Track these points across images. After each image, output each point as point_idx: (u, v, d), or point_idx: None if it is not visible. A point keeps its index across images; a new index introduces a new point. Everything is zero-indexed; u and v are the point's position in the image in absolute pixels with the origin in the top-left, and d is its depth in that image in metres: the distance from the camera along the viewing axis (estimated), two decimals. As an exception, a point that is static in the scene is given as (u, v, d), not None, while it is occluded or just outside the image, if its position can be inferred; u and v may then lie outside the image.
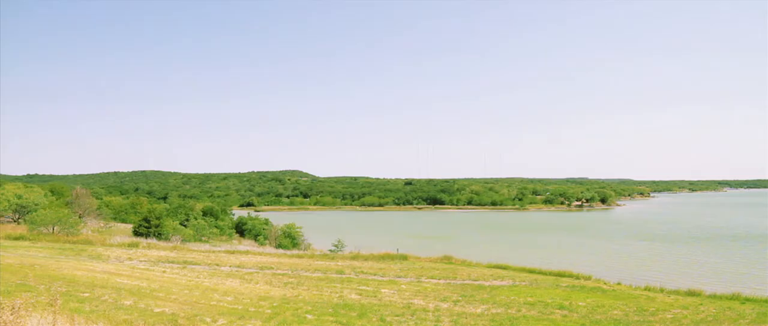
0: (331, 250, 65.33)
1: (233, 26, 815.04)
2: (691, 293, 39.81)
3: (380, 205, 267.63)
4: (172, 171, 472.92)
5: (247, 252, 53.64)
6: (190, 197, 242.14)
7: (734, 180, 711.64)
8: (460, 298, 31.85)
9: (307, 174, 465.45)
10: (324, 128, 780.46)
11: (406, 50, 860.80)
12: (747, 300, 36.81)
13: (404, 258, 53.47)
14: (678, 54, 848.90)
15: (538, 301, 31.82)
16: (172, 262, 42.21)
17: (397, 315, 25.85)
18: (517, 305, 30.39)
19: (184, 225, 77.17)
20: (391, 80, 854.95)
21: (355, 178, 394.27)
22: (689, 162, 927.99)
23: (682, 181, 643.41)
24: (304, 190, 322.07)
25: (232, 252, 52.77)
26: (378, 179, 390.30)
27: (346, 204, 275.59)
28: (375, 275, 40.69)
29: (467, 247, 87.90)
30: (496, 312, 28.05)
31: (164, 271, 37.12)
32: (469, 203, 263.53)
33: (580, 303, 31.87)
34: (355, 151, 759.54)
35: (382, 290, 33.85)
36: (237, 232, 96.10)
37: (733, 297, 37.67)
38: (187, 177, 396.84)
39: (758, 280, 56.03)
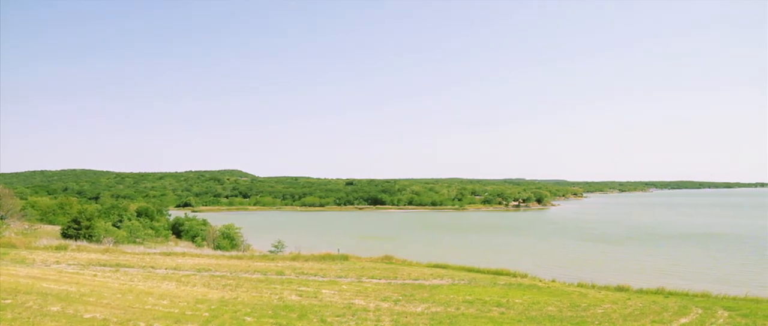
0: (271, 251, 64.43)
1: (170, 24, 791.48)
2: (620, 288, 41.66)
3: (321, 205, 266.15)
4: (105, 170, 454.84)
5: (184, 254, 52.15)
6: (124, 197, 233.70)
7: (659, 182, 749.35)
8: (401, 298, 32.06)
9: (246, 174, 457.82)
10: (264, 128, 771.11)
11: (347, 51, 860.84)
12: (670, 294, 39.00)
13: (345, 258, 53.35)
14: (610, 55, 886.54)
15: (477, 299, 32.43)
16: (104, 265, 40.54)
17: (338, 316, 25.79)
18: (457, 303, 30.87)
19: (117, 227, 74.36)
20: (333, 82, 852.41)
21: (296, 178, 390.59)
22: (619, 164, 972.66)
23: (613, 182, 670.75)
24: (243, 190, 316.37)
25: (169, 254, 51.19)
26: (319, 179, 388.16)
27: (286, 205, 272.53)
28: (315, 276, 40.42)
29: (408, 247, 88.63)
30: (436, 311, 28.41)
31: (95, 275, 35.61)
32: (410, 203, 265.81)
33: (516, 301, 32.71)
34: (296, 152, 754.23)
35: (323, 290, 33.66)
36: (173, 234, 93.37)
37: (658, 292, 39.80)
38: (120, 177, 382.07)
39: (679, 276, 59.07)
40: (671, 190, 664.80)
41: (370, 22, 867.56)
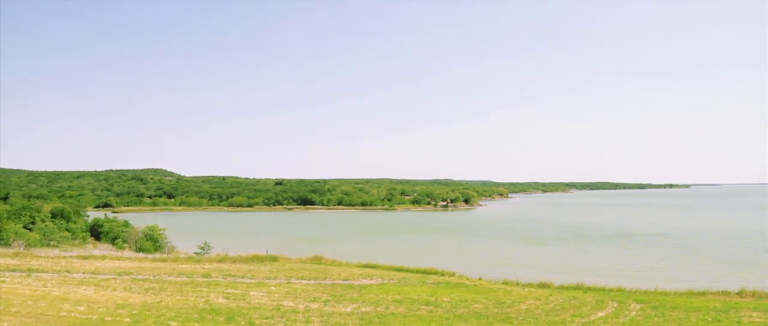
0: (196, 253, 62.65)
1: (89, 20, 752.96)
2: (542, 285, 43.36)
3: (249, 206, 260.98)
4: (15, 168, 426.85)
5: (103, 257, 49.85)
6: (37, 197, 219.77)
7: (579, 183, 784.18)
8: (331, 298, 32.00)
9: (171, 174, 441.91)
10: (190, 127, 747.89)
11: (276, 52, 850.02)
12: (589, 289, 41.02)
13: (274, 259, 52.69)
14: (531, 58, 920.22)
15: (406, 298, 32.83)
16: (14, 270, 38.14)
17: (267, 318, 25.44)
18: (386, 303, 31.13)
19: (29, 229, 70.22)
20: (262, 81, 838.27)
21: (223, 178, 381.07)
22: (541, 166, 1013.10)
23: (536, 183, 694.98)
24: (168, 190, 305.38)
25: (87, 258, 48.80)
26: (247, 179, 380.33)
27: (213, 205, 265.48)
28: (244, 277, 39.69)
29: (338, 247, 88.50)
30: (366, 311, 28.55)
31: (3, 281, 33.43)
32: (340, 203, 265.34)
33: (444, 299, 33.37)
34: (224, 151, 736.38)
35: (251, 292, 33.10)
36: (92, 236, 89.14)
37: (578, 288, 41.77)
38: (33, 176, 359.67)
39: (597, 273, 62.02)
40: (590, 191, 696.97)
41: (302, 21, 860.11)
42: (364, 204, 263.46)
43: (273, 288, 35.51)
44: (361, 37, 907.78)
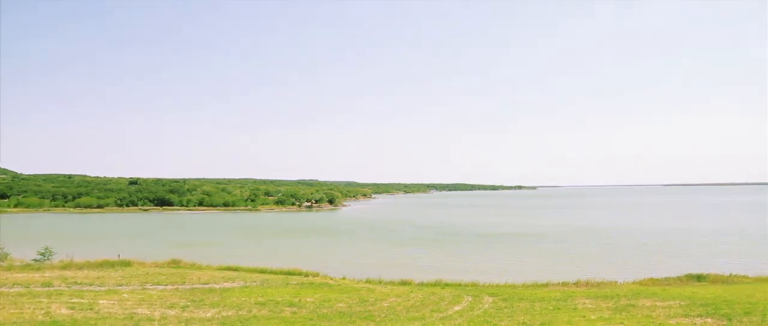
0: (35, 260, 56.84)
1: None
2: (404, 283, 44.93)
3: (99, 207, 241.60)
4: None
5: None
6: None
7: (439, 184, 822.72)
8: (189, 303, 30.71)
9: (6, 171, 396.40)
10: (27, 118, 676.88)
11: (133, 43, 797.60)
12: (447, 285, 43.23)
13: (127, 264, 49.49)
14: (395, 59, 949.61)
15: (269, 300, 32.42)
16: None
17: (118, 327, 23.84)
18: (248, 306, 30.51)
19: None
20: (113, 71, 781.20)
21: (69, 176, 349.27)
22: (403, 167, 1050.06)
23: (399, 184, 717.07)
24: (1, 190, 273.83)
25: None
26: (97, 178, 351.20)
27: (57, 206, 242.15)
28: (92, 285, 36.80)
29: (198, 250, 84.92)
30: (227, 315, 27.77)
31: None
32: (201, 204, 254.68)
33: (308, 299, 33.39)
34: (70, 147, 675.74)
35: (100, 301, 30.79)
36: None
37: (436, 284, 43.85)
38: None
39: (454, 270, 65.33)
40: (448, 191, 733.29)
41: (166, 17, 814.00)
42: (226, 204, 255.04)
43: (125, 295, 33.31)
44: (227, 36, 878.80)
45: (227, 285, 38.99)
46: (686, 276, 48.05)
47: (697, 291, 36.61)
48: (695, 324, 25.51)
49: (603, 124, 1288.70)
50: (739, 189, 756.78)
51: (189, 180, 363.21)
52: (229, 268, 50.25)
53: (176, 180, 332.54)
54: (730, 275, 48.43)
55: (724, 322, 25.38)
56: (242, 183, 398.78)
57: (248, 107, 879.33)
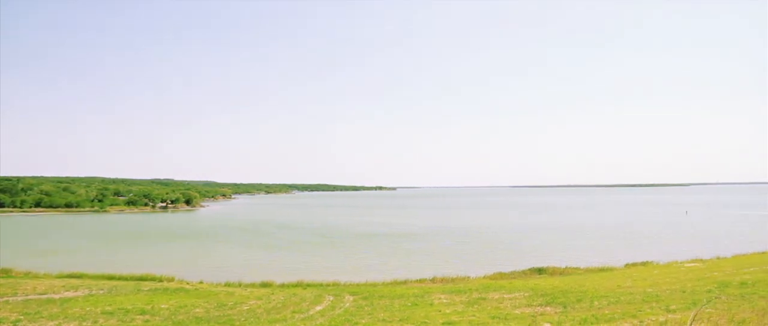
0: None
1: None
2: (265, 284, 44.29)
3: None
4: None
5: None
6: None
7: (300, 184, 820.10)
8: (22, 317, 27.83)
9: None
10: None
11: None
12: (308, 285, 43.31)
13: (-56, 275, 43.68)
14: (258, 61, 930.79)
15: (118, 309, 30.34)
16: None
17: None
18: (94, 316, 28.33)
19: None
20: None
21: None
22: (265, 167, 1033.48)
23: (260, 185, 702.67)
24: None
25: None
26: None
27: None
28: None
29: (33, 258, 76.98)
30: (69, 327, 25.54)
31: None
32: (38, 205, 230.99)
33: (162, 306, 31.70)
34: None
35: None
36: None
37: (298, 285, 43.78)
38: None
39: (316, 270, 65.43)
40: (310, 192, 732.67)
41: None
42: (69, 205, 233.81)
43: (-59, 310, 29.39)
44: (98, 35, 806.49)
45: (69, 294, 35.81)
46: (529, 269, 52.56)
47: (538, 283, 40.03)
48: (536, 312, 27.84)
49: (468, 125, 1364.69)
50: (674, 190, 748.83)
51: (25, 178, 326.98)
52: (71, 275, 46.31)
53: (8, 178, 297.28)
54: (566, 267, 53.75)
55: (560, 309, 27.94)
56: (88, 182, 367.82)
57: (99, 100, 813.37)
